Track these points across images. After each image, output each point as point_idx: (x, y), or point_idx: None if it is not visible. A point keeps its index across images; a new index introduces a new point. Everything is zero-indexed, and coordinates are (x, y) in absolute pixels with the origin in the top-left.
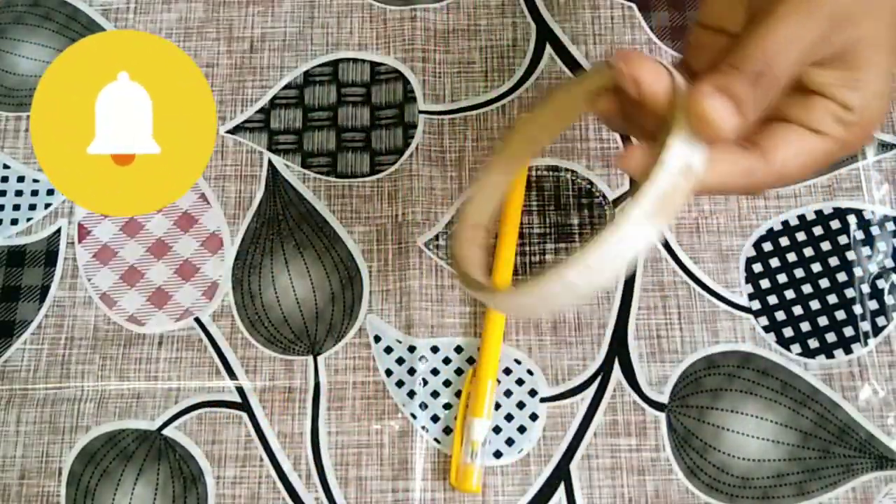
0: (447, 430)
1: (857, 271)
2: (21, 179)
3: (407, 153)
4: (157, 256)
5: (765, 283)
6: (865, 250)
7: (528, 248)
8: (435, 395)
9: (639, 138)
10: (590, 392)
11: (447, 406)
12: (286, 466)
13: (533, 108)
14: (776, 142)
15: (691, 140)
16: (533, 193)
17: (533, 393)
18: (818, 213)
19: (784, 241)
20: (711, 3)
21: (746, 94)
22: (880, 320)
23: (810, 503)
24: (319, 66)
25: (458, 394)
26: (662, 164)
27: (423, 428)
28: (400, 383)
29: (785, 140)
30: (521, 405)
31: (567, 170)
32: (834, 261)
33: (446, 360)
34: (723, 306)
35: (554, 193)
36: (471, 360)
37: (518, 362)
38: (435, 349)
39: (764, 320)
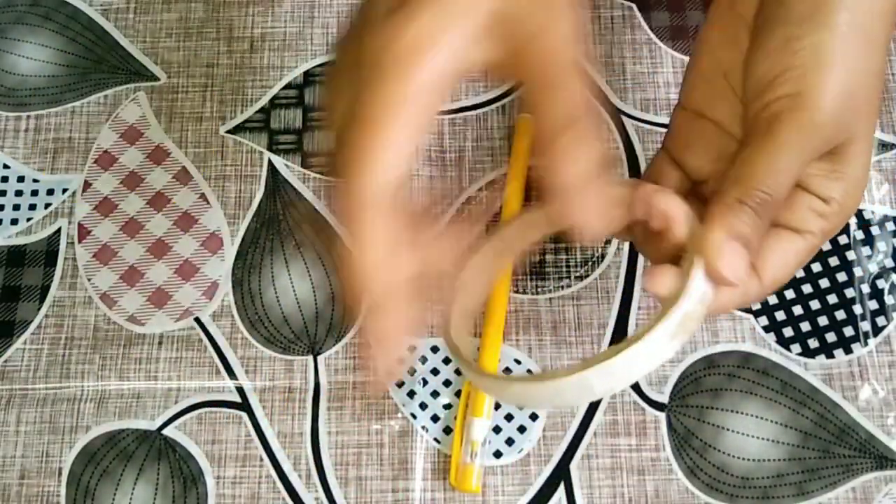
0: (447, 430)
1: (857, 271)
2: (21, 179)
3: None
4: (157, 256)
5: None
6: (865, 250)
7: (527, 248)
8: (435, 394)
9: (649, 256)
10: None
11: (447, 406)
12: (286, 466)
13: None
14: (765, 257)
15: (703, 281)
16: (533, 193)
17: None
18: None
19: None
20: (692, 89)
21: (754, 228)
22: (880, 320)
23: (810, 503)
24: (319, 65)
25: (458, 393)
26: (687, 292)
27: (423, 428)
28: (400, 383)
29: (772, 252)
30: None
31: None
32: (834, 260)
33: (446, 360)
34: None
35: None
36: None
37: (518, 362)
38: (435, 349)
39: (764, 320)
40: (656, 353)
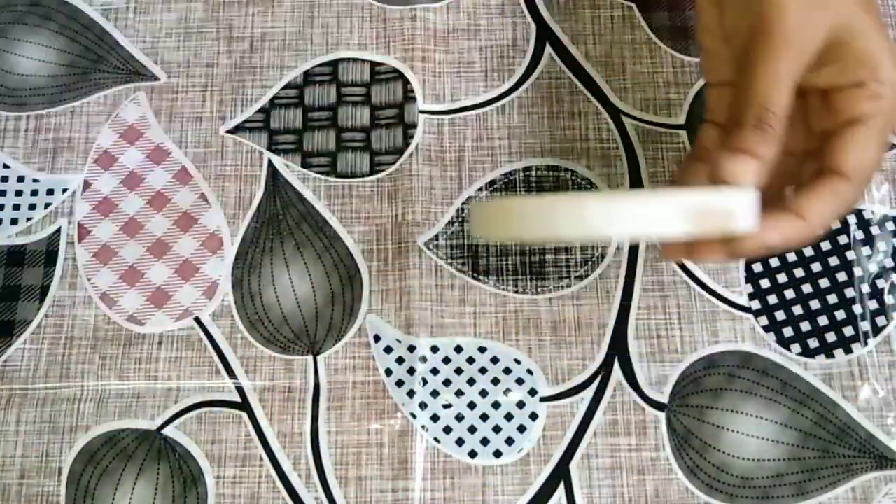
0: (447, 430)
1: (857, 271)
2: (21, 179)
3: (407, 153)
4: (157, 256)
5: (765, 283)
6: (865, 250)
7: (528, 248)
8: (434, 394)
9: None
10: (590, 392)
11: (447, 406)
12: (286, 466)
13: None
14: (810, 201)
15: (740, 196)
16: (533, 194)
17: (533, 392)
18: None
19: None
20: (710, 66)
21: (755, 141)
22: (880, 320)
23: (810, 503)
24: (319, 65)
25: (458, 393)
26: (716, 188)
27: (423, 427)
28: (400, 383)
29: (819, 194)
30: (521, 404)
31: (567, 170)
32: (834, 260)
33: (446, 360)
34: (723, 306)
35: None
36: (471, 360)
37: (518, 362)
38: (434, 349)
39: (764, 320)
40: (662, 216)
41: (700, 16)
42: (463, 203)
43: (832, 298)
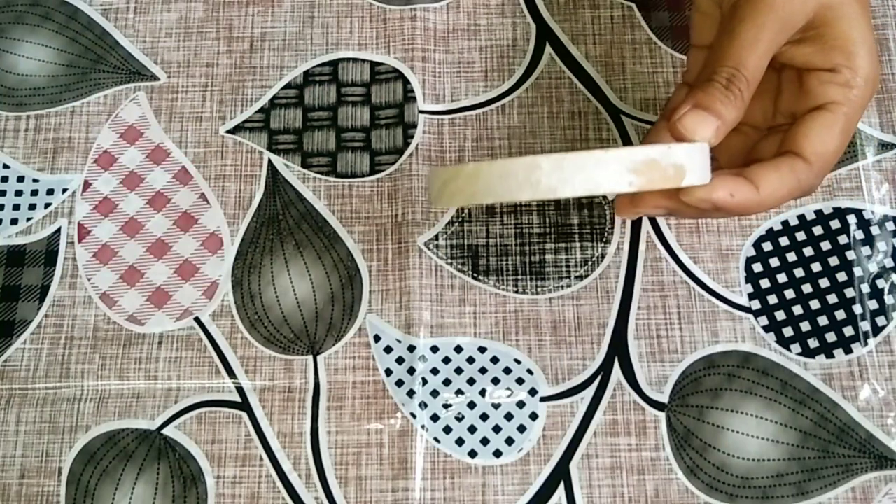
0: (447, 430)
1: (857, 271)
2: (21, 179)
3: (407, 153)
4: (156, 256)
5: (765, 283)
6: (865, 250)
7: (528, 248)
8: (434, 394)
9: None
10: (590, 391)
11: (447, 405)
12: (286, 466)
13: None
14: (797, 141)
15: (690, 149)
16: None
17: (533, 392)
18: (818, 212)
19: (784, 241)
20: (698, 26)
21: (721, 100)
22: (880, 320)
23: (810, 503)
24: (319, 65)
25: (458, 393)
26: (662, 143)
27: (423, 427)
28: (399, 383)
29: (806, 132)
30: (520, 404)
31: None
32: (834, 260)
33: (446, 360)
34: (723, 306)
35: None
36: (471, 360)
37: (518, 362)
38: (434, 349)
39: (764, 320)
40: (609, 172)
41: None
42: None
43: (832, 298)
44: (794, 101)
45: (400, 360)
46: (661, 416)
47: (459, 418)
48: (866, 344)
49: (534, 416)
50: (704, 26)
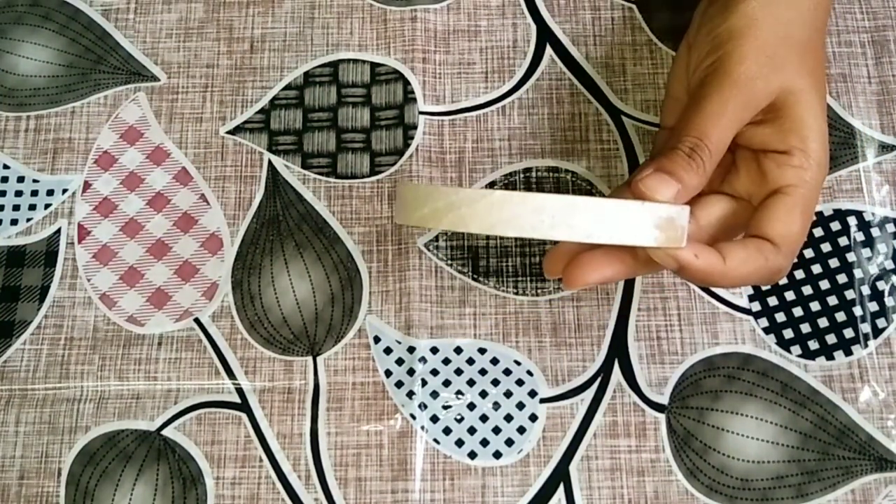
0: (447, 431)
1: (858, 273)
2: (21, 179)
3: (407, 154)
4: (156, 257)
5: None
6: (866, 252)
7: (528, 249)
8: (434, 395)
9: None
10: (589, 393)
11: (447, 406)
12: (286, 467)
13: None
14: (761, 223)
15: (688, 213)
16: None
17: (533, 394)
18: (818, 214)
19: None
20: (668, 109)
21: (683, 166)
22: (880, 322)
23: None
24: (319, 66)
25: (458, 394)
26: (667, 204)
27: (423, 428)
28: (399, 384)
29: (768, 214)
30: (520, 406)
31: (567, 171)
32: (834, 262)
33: (446, 361)
34: (723, 308)
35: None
36: (470, 361)
37: (518, 363)
38: (434, 350)
39: (764, 322)
40: (635, 228)
41: (674, 63)
42: None
43: (832, 300)
44: (751, 183)
45: (400, 362)
46: (661, 417)
47: (459, 419)
48: (866, 346)
49: (533, 418)
50: (674, 111)
